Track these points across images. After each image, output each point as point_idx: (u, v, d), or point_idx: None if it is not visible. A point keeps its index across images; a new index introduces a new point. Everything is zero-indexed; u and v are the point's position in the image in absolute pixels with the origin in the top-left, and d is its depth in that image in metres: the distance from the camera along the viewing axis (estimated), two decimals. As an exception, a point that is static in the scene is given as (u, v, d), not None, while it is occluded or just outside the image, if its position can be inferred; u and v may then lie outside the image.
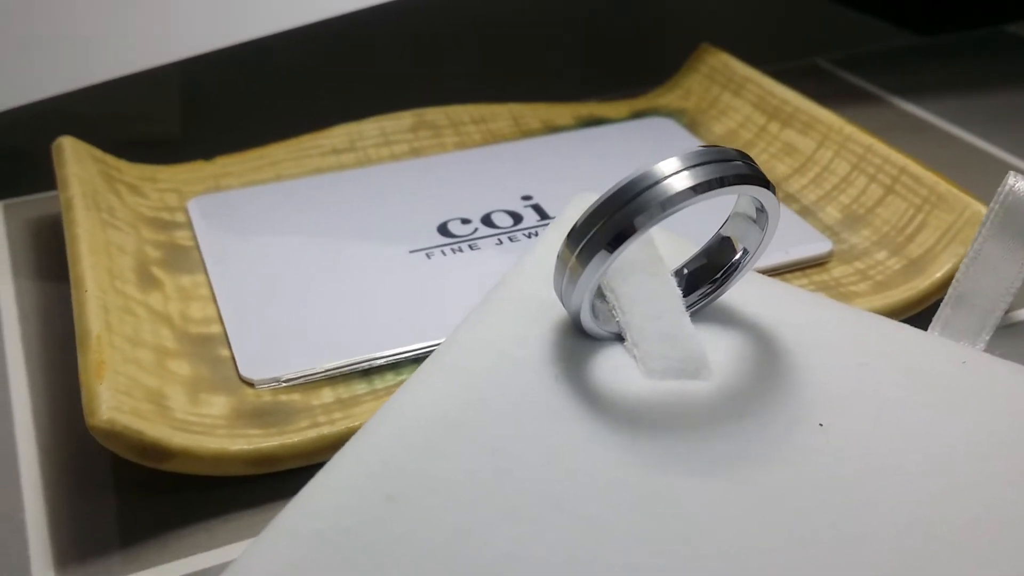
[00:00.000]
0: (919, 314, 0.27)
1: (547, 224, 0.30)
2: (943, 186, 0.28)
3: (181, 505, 0.22)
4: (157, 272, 0.28)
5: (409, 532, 0.18)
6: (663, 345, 0.22)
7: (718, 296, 0.23)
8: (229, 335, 0.26)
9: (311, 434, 0.22)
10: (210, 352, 0.25)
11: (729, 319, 0.23)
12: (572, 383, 0.21)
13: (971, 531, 0.19)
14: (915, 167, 0.29)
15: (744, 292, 0.24)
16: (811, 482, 0.20)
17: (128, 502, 0.22)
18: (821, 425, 0.21)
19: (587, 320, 0.22)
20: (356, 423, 0.23)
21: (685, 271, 0.23)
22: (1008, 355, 0.24)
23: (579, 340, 0.22)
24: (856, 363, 0.22)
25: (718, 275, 0.23)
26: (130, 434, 0.21)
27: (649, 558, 0.18)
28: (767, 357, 0.22)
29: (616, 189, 0.20)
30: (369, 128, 0.35)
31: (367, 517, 0.18)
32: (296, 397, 0.24)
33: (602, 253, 0.20)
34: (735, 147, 0.32)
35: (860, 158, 0.31)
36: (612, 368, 0.22)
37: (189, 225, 0.31)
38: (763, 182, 0.21)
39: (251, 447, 0.22)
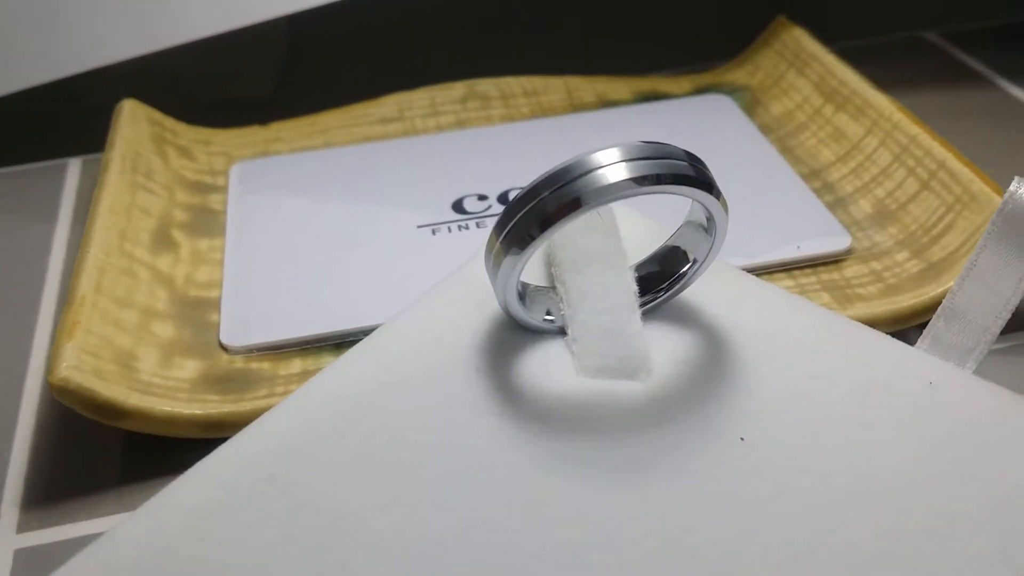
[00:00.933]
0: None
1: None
2: (977, 184, 0.26)
3: (147, 462, 0.24)
4: (177, 235, 0.29)
5: (283, 511, 0.18)
6: (604, 342, 0.21)
7: (670, 299, 0.22)
8: (222, 300, 0.27)
9: (262, 403, 0.23)
10: (200, 316, 0.26)
11: (687, 318, 0.22)
12: (495, 376, 0.21)
13: (869, 567, 0.18)
14: (954, 161, 0.27)
15: (714, 289, 0.23)
16: (709, 499, 0.19)
17: (102, 455, 0.24)
18: (742, 439, 0.20)
19: (516, 310, 0.21)
20: (311, 396, 0.23)
21: (636, 274, 0.23)
22: (1006, 379, 0.22)
23: (518, 332, 0.22)
24: (808, 375, 0.21)
25: (665, 284, 0.22)
26: (83, 392, 0.22)
27: (516, 561, 0.18)
28: (714, 362, 0.21)
29: (545, 176, 0.20)
30: (419, 98, 0.35)
31: (245, 494, 0.18)
32: (266, 366, 0.25)
33: (524, 242, 0.19)
34: (786, 129, 0.31)
35: (903, 148, 0.29)
36: (543, 363, 0.21)
37: (227, 189, 0.32)
38: (705, 186, 0.20)
39: (202, 412, 0.23)
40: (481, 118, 0.35)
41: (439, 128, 0.35)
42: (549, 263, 0.23)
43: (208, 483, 0.18)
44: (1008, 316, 0.22)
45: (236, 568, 0.17)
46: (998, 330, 0.22)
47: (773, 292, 0.23)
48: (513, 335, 0.22)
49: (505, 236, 0.20)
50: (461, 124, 0.35)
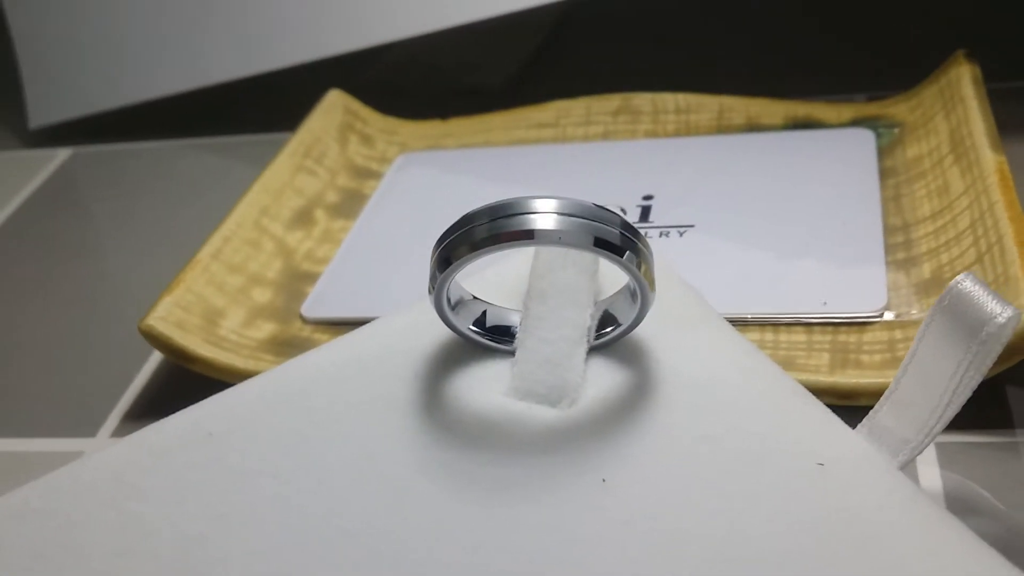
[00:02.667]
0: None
1: (643, 226, 0.31)
2: (1015, 268, 0.24)
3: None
4: (319, 214, 0.35)
5: (213, 463, 0.22)
6: (541, 370, 0.23)
7: (614, 342, 0.24)
8: (321, 277, 0.32)
9: (298, 370, 0.28)
10: (299, 288, 0.31)
11: (634, 359, 0.24)
12: (427, 382, 0.24)
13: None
14: (1010, 240, 0.25)
15: (675, 334, 0.24)
16: (545, 530, 0.20)
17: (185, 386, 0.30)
18: (604, 481, 0.21)
19: (445, 316, 0.23)
20: (338, 370, 0.28)
21: (604, 309, 0.24)
22: (955, 478, 0.22)
23: (472, 351, 0.24)
24: (702, 435, 0.22)
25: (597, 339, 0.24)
26: (163, 338, 0.28)
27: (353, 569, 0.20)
28: (629, 405, 0.23)
29: (484, 207, 0.22)
30: (577, 107, 0.38)
31: (187, 443, 0.23)
32: (325, 337, 0.29)
33: (449, 262, 0.22)
34: (907, 175, 0.30)
35: (981, 214, 0.27)
36: (479, 379, 0.24)
37: (383, 175, 0.37)
38: (628, 257, 0.21)
39: (254, 368, 0.28)
40: (626, 131, 0.37)
41: (585, 138, 0.37)
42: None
43: (164, 430, 0.23)
44: (947, 410, 0.21)
45: (163, 502, 0.22)
46: (937, 423, 0.21)
47: (733, 347, 0.24)
48: (466, 353, 0.24)
49: (439, 252, 0.22)
50: (606, 136, 0.37)
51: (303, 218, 0.34)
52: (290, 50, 0.42)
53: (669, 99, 0.37)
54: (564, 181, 0.34)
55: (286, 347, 0.29)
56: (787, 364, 0.25)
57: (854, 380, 0.24)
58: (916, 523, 0.20)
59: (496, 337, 0.24)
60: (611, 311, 0.24)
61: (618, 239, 0.21)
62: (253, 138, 0.44)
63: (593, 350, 0.24)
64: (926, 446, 0.21)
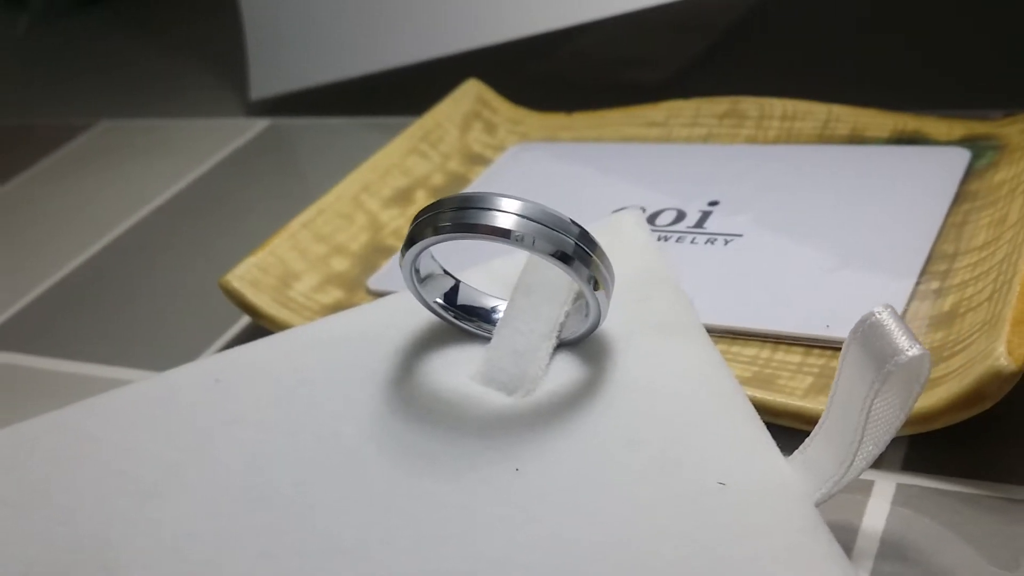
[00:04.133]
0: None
1: (695, 232, 0.31)
2: (1008, 311, 0.23)
3: None
4: (420, 195, 0.37)
5: (215, 404, 0.26)
6: (508, 359, 0.25)
7: (578, 343, 0.25)
8: (396, 252, 0.34)
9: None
10: (376, 261, 0.34)
11: (599, 358, 0.25)
12: (405, 357, 0.26)
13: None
14: (1019, 278, 0.23)
15: (649, 339, 0.25)
16: (453, 509, 0.22)
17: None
18: (517, 470, 0.22)
19: (411, 287, 0.25)
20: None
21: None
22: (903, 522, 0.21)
23: (457, 334, 0.26)
24: (628, 439, 0.22)
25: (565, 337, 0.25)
26: (236, 294, 0.32)
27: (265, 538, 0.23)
28: (575, 402, 0.24)
29: (454, 196, 0.24)
30: (688, 107, 0.38)
31: (194, 385, 0.26)
32: (379, 309, 0.32)
33: (414, 241, 0.23)
34: (983, 201, 0.29)
35: (1013, 250, 0.25)
36: (452, 361, 0.25)
37: (492, 162, 0.39)
38: (579, 270, 0.22)
39: (308, 329, 0.31)
40: (727, 135, 0.37)
41: (688, 139, 0.37)
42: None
43: (181, 371, 0.27)
44: (864, 446, 0.20)
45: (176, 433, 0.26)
46: (855, 458, 0.20)
47: (698, 360, 0.24)
48: (450, 336, 0.26)
49: (410, 231, 0.24)
50: (707, 138, 0.37)
51: (403, 197, 0.37)
52: (472, 34, 0.45)
53: (777, 104, 0.36)
54: (646, 179, 0.35)
55: (343, 313, 0.32)
56: (767, 383, 0.25)
57: (821, 407, 0.24)
58: (797, 557, 0.20)
59: (467, 317, 0.26)
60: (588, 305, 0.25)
61: (571, 249, 0.22)
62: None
63: (564, 346, 0.25)
64: (849, 481, 0.21)
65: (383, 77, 0.48)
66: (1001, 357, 0.21)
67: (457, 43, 0.46)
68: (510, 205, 0.23)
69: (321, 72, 0.51)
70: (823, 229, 0.30)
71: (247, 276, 0.32)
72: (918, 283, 0.27)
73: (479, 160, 0.39)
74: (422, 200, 0.37)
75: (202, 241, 0.41)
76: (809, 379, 0.25)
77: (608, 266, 0.23)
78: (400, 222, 0.36)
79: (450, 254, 0.25)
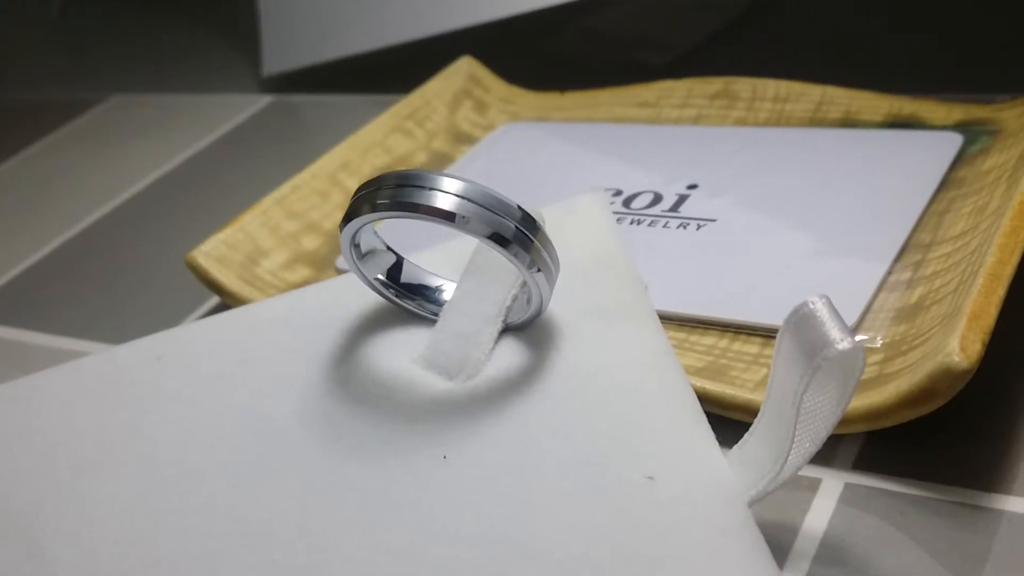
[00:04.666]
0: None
1: (669, 216, 0.30)
2: (967, 305, 0.21)
3: None
4: (401, 173, 0.36)
5: (154, 382, 0.25)
6: (450, 341, 0.24)
7: (525, 327, 0.24)
8: (371, 232, 0.34)
9: (303, 314, 0.30)
10: (348, 239, 0.34)
11: (544, 344, 0.24)
12: (348, 338, 0.25)
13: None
14: (984, 271, 0.22)
15: (595, 325, 0.24)
16: (377, 494, 0.21)
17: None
18: (445, 457, 0.22)
19: (351, 264, 0.24)
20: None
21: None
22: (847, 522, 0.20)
23: (404, 315, 0.25)
24: (553, 428, 0.22)
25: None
26: (201, 271, 0.31)
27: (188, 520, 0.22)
28: (513, 388, 0.23)
29: (395, 172, 0.23)
30: (680, 88, 0.37)
31: (139, 361, 0.26)
32: (345, 288, 0.31)
33: (353, 216, 0.23)
34: (968, 189, 0.28)
35: (983, 241, 0.24)
36: (397, 343, 0.25)
37: (478, 142, 0.38)
38: (519, 254, 0.21)
39: (271, 308, 0.31)
40: (717, 117, 0.35)
41: (677, 120, 0.36)
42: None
43: (129, 348, 0.26)
44: (797, 443, 0.19)
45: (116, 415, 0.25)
46: (789, 455, 0.19)
47: (644, 348, 0.23)
48: (397, 317, 0.25)
49: (350, 205, 0.23)
50: (697, 120, 0.36)
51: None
52: (479, 9, 0.44)
53: (770, 85, 0.35)
54: (628, 160, 0.34)
55: (309, 292, 0.31)
56: (718, 374, 0.24)
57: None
58: (716, 558, 0.19)
59: (410, 295, 0.25)
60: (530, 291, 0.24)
61: (511, 232, 0.21)
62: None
63: (510, 330, 0.24)
64: (784, 479, 0.20)
65: (393, 53, 0.47)
66: (953, 353, 0.20)
67: (465, 17, 0.45)
68: (451, 185, 0.22)
69: (335, 47, 0.50)
70: (799, 216, 0.29)
71: (214, 252, 0.32)
72: (889, 273, 0.26)
73: (466, 139, 0.38)
74: (403, 179, 0.36)
75: (191, 217, 0.41)
76: (763, 371, 0.24)
77: (551, 251, 0.22)
78: (378, 201, 0.35)
79: (405, 230, 0.24)
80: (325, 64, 0.50)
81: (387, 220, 0.23)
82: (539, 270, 0.22)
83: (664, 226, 0.30)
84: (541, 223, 0.22)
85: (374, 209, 0.22)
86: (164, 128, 0.50)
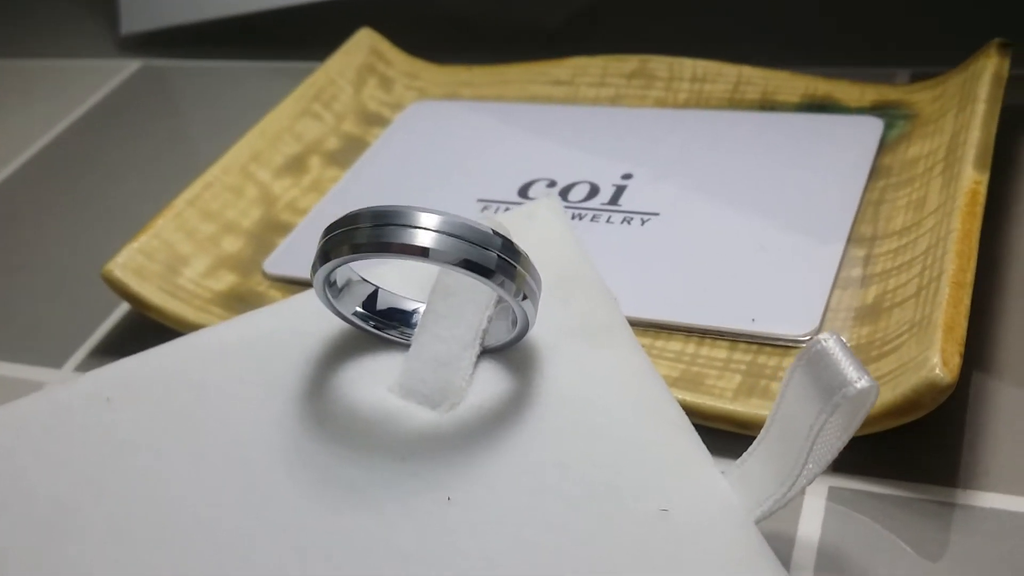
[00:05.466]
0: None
1: (609, 209, 0.30)
2: (938, 314, 0.22)
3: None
4: (314, 162, 0.35)
5: (106, 426, 0.24)
6: (427, 368, 0.23)
7: (506, 349, 0.24)
8: (294, 230, 0.32)
9: (240, 328, 0.29)
10: (271, 239, 0.32)
11: (527, 368, 0.23)
12: (318, 368, 0.24)
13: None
14: (947, 279, 0.23)
15: (575, 347, 0.24)
16: (379, 540, 0.21)
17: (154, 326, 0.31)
18: (449, 499, 0.21)
19: (326, 302, 0.23)
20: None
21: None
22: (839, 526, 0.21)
23: (371, 339, 0.24)
24: (557, 461, 0.21)
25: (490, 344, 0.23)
26: (121, 285, 0.29)
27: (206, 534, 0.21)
28: (506, 419, 0.22)
29: (369, 209, 0.22)
30: (594, 65, 0.36)
31: (87, 404, 0.24)
32: (278, 296, 0.30)
33: (328, 257, 0.22)
34: (899, 179, 0.29)
35: (936, 241, 0.25)
36: (370, 372, 0.24)
37: (390, 123, 0.37)
38: (504, 283, 0.21)
39: (204, 320, 0.29)
40: (636, 97, 0.35)
41: (595, 100, 0.36)
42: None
43: (72, 390, 0.24)
44: (807, 467, 0.20)
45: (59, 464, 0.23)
46: (799, 478, 0.20)
47: (628, 371, 0.23)
48: (364, 341, 0.24)
49: (322, 245, 0.22)
50: (615, 100, 0.35)
51: (295, 165, 0.35)
52: None
53: (687, 65, 0.35)
54: (554, 146, 0.33)
55: (239, 302, 0.30)
56: (695, 383, 0.24)
57: (753, 411, 0.23)
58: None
59: (389, 323, 0.24)
60: (489, 326, 0.23)
61: (492, 262, 0.21)
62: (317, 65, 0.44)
63: (487, 353, 0.24)
64: (790, 499, 0.20)
65: (266, 16, 0.45)
66: (936, 368, 0.21)
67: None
68: (428, 220, 0.21)
69: (200, 7, 0.47)
70: (741, 208, 0.29)
71: (130, 264, 0.30)
72: (839, 270, 0.26)
73: (376, 120, 0.37)
74: (316, 168, 0.35)
75: (71, 210, 0.38)
76: (737, 377, 0.24)
77: (535, 274, 0.22)
78: (294, 193, 0.34)
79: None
80: (190, 26, 0.47)
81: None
82: (525, 297, 0.22)
83: (607, 221, 0.30)
84: (520, 249, 0.22)
85: (353, 250, 0.21)
86: (18, 101, 0.46)
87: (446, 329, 0.24)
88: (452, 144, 0.35)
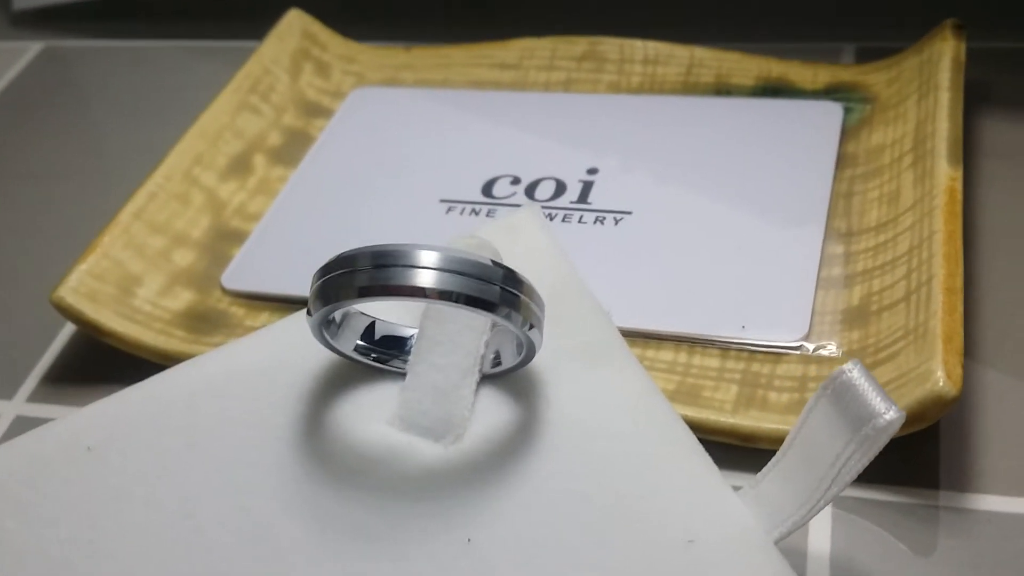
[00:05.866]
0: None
1: (580, 208, 0.30)
2: (935, 321, 0.23)
3: (123, 366, 0.28)
4: (258, 160, 0.33)
5: (87, 479, 0.22)
6: (427, 398, 0.23)
7: (507, 375, 0.23)
8: (248, 239, 0.31)
9: (206, 349, 0.27)
10: (224, 250, 0.31)
11: (527, 394, 0.23)
12: (311, 405, 0.23)
13: None
14: (938, 283, 0.23)
15: (574, 369, 0.23)
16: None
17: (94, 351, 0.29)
18: (469, 540, 0.21)
19: (325, 343, 0.23)
20: (247, 354, 0.27)
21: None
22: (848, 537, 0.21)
23: (363, 370, 0.24)
24: (574, 491, 0.21)
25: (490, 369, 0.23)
26: (73, 311, 0.28)
27: None
28: (512, 450, 0.22)
29: (367, 250, 0.21)
30: (542, 47, 0.36)
31: (66, 456, 0.23)
32: (240, 312, 0.29)
33: (331, 299, 0.21)
34: (866, 169, 0.29)
35: (921, 242, 0.25)
36: (365, 405, 0.23)
37: (333, 114, 0.35)
38: (488, 308, 0.20)
39: (164, 346, 0.28)
40: (588, 81, 0.35)
41: (546, 85, 0.35)
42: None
43: (45, 440, 0.23)
44: (829, 491, 0.20)
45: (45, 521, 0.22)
46: (819, 501, 0.20)
47: (630, 390, 0.23)
48: (356, 371, 0.24)
49: (319, 288, 0.21)
50: (567, 84, 0.35)
51: (240, 166, 0.33)
52: None
53: (638, 47, 0.35)
54: (510, 138, 0.33)
55: (201, 321, 0.29)
56: (692, 396, 0.24)
57: (755, 424, 0.23)
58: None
59: (387, 353, 0.23)
60: (496, 346, 0.23)
61: (496, 296, 0.20)
62: (240, 44, 0.42)
63: (486, 379, 0.23)
64: (808, 520, 0.21)
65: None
66: (940, 380, 0.22)
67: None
68: (428, 258, 0.20)
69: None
70: (713, 203, 0.29)
71: (81, 288, 0.28)
72: (820, 269, 0.27)
73: (317, 111, 0.35)
74: (261, 167, 0.33)
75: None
76: (733, 388, 0.25)
77: (539, 301, 0.21)
78: (241, 197, 0.32)
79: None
80: (91, 1, 0.44)
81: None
82: (532, 326, 0.21)
83: (580, 221, 0.29)
84: (522, 277, 0.21)
85: (358, 294, 0.20)
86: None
87: (442, 356, 0.23)
88: (402, 137, 0.34)
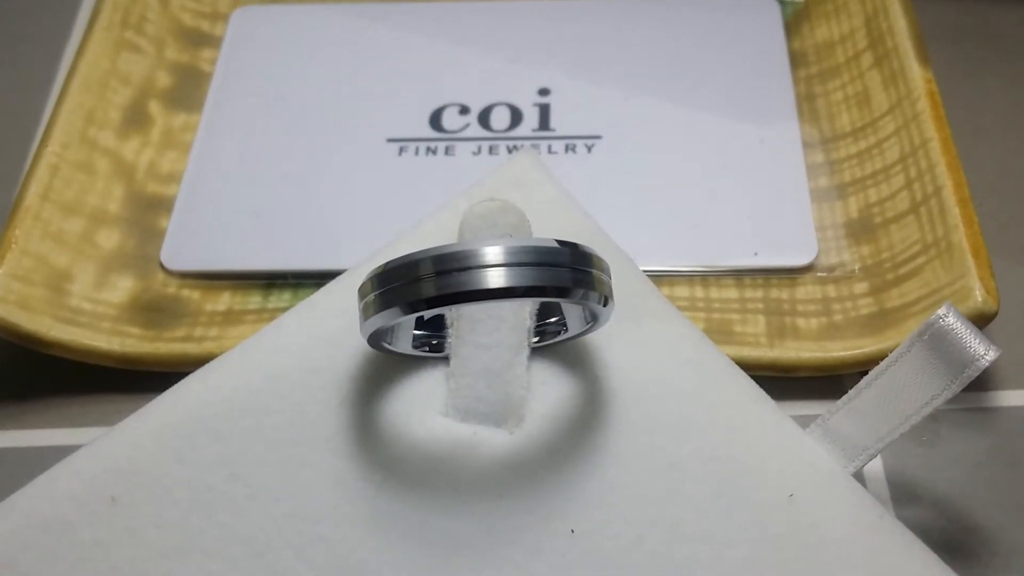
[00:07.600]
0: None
1: (544, 136, 0.28)
2: (958, 235, 0.23)
3: (73, 374, 0.25)
4: (154, 108, 0.29)
5: (118, 537, 0.20)
6: (480, 382, 0.21)
7: (561, 343, 0.22)
8: (175, 205, 0.27)
9: (176, 348, 0.24)
10: (150, 221, 0.27)
11: (580, 362, 0.22)
12: (355, 409, 0.21)
13: None
14: (949, 193, 0.24)
15: (621, 328, 0.22)
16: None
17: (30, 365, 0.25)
18: (572, 532, 0.20)
19: (382, 350, 0.21)
20: (223, 345, 0.24)
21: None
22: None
23: (396, 359, 0.22)
24: (668, 463, 0.21)
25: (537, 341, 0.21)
26: (8, 325, 0.23)
27: None
28: (585, 426, 0.21)
29: (430, 254, 0.19)
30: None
31: (88, 513, 0.20)
32: (196, 295, 0.26)
33: (395, 310, 0.19)
34: (820, 67, 0.28)
35: (914, 150, 0.26)
36: (412, 398, 0.21)
37: (221, 43, 0.31)
38: (584, 295, 0.19)
39: (120, 350, 0.24)
40: (502, -15, 0.32)
41: (455, -9, 0.32)
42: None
43: (59, 497, 0.20)
44: (906, 429, 0.21)
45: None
46: (891, 439, 0.21)
47: (679, 339, 0.22)
48: (391, 364, 0.22)
49: (378, 298, 0.19)
50: (479, -10, 0.32)
51: (135, 117, 0.29)
52: None
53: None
54: (448, 60, 0.30)
55: (154, 313, 0.25)
56: (724, 333, 0.24)
57: (795, 354, 0.24)
58: (885, 553, 0.20)
59: (438, 335, 0.21)
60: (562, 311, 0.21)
61: (569, 280, 0.19)
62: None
63: (533, 351, 0.22)
64: (880, 452, 0.21)
65: None
66: (980, 297, 0.22)
67: None
68: (494, 254, 0.18)
69: None
70: (681, 118, 0.28)
71: (9, 296, 0.24)
72: (808, 181, 0.27)
73: (200, 39, 0.31)
74: (160, 115, 0.29)
75: None
76: (761, 319, 0.24)
77: (607, 270, 0.20)
78: (149, 154, 0.28)
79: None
80: None
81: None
82: (606, 300, 0.20)
83: (550, 151, 0.28)
84: (588, 250, 0.20)
85: (425, 306, 0.18)
86: None
87: (486, 335, 0.22)
88: (313, 65, 0.30)
